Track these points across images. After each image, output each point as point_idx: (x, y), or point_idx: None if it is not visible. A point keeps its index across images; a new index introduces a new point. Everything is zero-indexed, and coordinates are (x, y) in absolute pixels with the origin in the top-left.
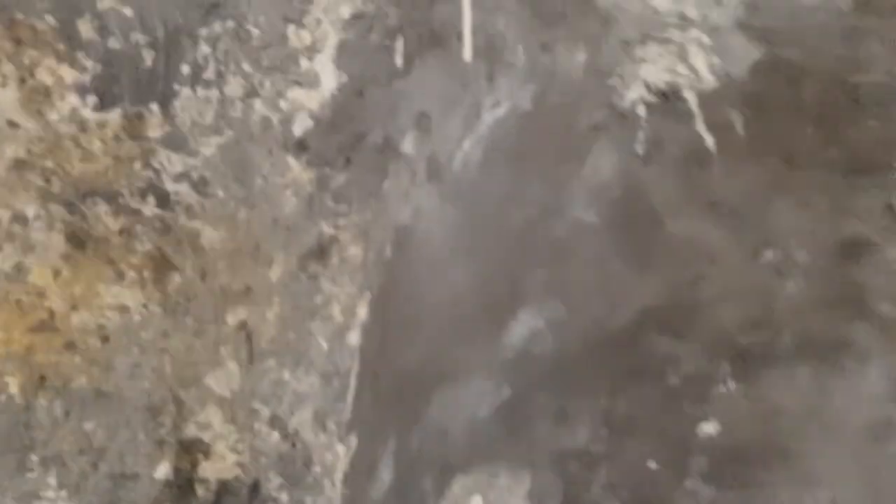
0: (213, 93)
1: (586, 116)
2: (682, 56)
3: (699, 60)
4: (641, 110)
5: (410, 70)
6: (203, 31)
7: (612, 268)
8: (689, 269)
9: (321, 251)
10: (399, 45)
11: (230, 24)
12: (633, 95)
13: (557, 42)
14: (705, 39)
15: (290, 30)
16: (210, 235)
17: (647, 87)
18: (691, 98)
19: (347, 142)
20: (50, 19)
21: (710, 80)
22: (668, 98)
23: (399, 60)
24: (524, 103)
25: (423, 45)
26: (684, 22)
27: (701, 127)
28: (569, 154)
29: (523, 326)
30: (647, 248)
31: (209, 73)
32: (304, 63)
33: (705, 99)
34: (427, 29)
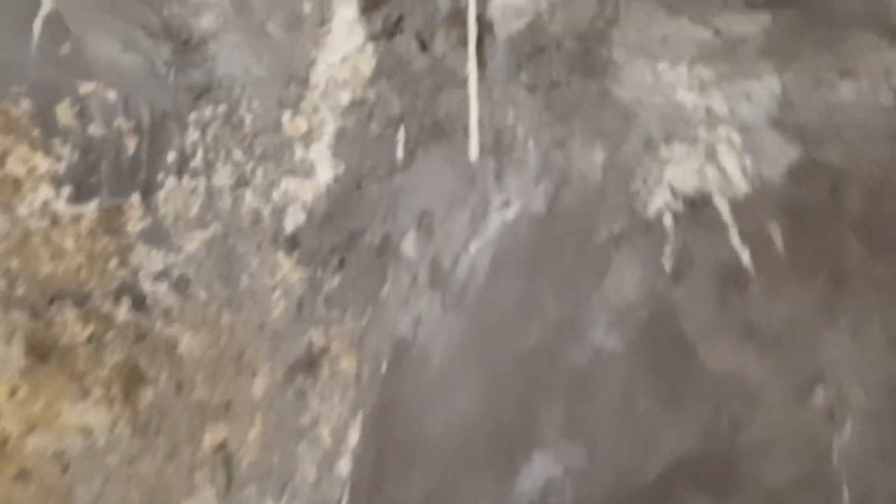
0: (201, 182)
1: (606, 224)
2: (711, 157)
3: (730, 162)
4: (668, 219)
5: (412, 163)
6: (193, 116)
7: (639, 406)
8: (727, 410)
9: (310, 362)
10: (400, 135)
11: (222, 108)
12: (658, 202)
13: (572, 138)
14: (736, 138)
15: (286, 116)
16: (189, 342)
17: (674, 192)
18: (723, 206)
19: (342, 240)
20: (26, 104)
21: (742, 185)
22: (696, 205)
23: (400, 152)
24: (536, 205)
25: (426, 136)
26: (712, 118)
27: (735, 240)
28: (587, 266)
29: (538, 473)
30: (678, 384)
31: (197, 161)
32: (298, 151)
33: (738, 207)
34: (430, 119)
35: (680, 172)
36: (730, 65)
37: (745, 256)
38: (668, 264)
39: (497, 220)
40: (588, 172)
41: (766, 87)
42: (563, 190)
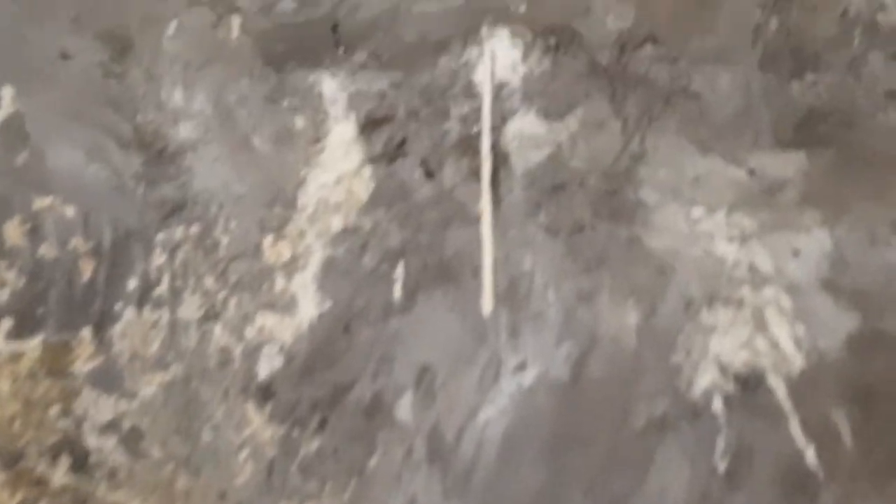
0: (164, 314)
1: (646, 404)
2: (760, 324)
3: (781, 331)
4: (718, 403)
5: (412, 307)
6: (161, 237)
7: None
8: None
9: None
10: (399, 272)
11: (195, 228)
12: (706, 380)
13: (600, 292)
14: (785, 301)
15: (267, 240)
16: None
17: (722, 368)
18: (778, 386)
19: (325, 395)
20: None
21: (797, 360)
22: (749, 385)
23: (398, 292)
24: (558, 371)
25: (430, 276)
26: (757, 277)
27: (797, 431)
28: (624, 457)
29: None
30: None
31: (162, 290)
32: (279, 282)
33: (796, 388)
34: (435, 258)
35: (728, 343)
36: (771, 213)
37: (811, 454)
38: (721, 463)
39: (511, 386)
40: (620, 336)
41: (815, 243)
42: (591, 355)
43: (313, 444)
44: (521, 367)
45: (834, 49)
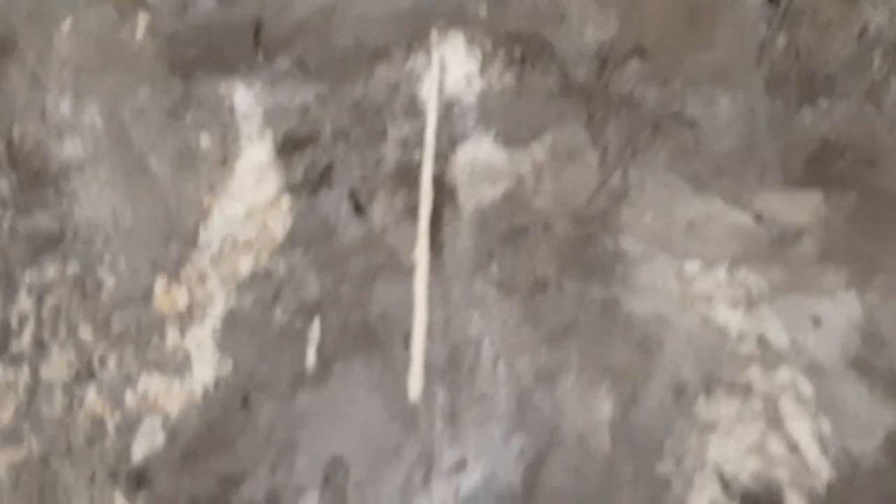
0: (23, 373)
1: None
2: (774, 419)
3: (801, 427)
4: None
5: (326, 379)
6: (29, 277)
7: None
8: None
9: None
10: (314, 333)
11: (73, 267)
12: (702, 500)
13: (565, 372)
14: (805, 387)
15: (160, 285)
16: None
17: (724, 482)
18: None
19: (210, 489)
20: None
21: (822, 469)
22: None
23: (311, 358)
24: (507, 474)
25: (351, 340)
26: (769, 354)
27: None
28: None
29: None
30: None
31: (23, 342)
32: (171, 337)
33: None
34: (359, 318)
35: (732, 447)
36: (785, 271)
37: None
38: None
39: (445, 492)
40: (589, 434)
41: (840, 310)
42: (550, 457)
43: None
44: (460, 466)
45: (850, 72)
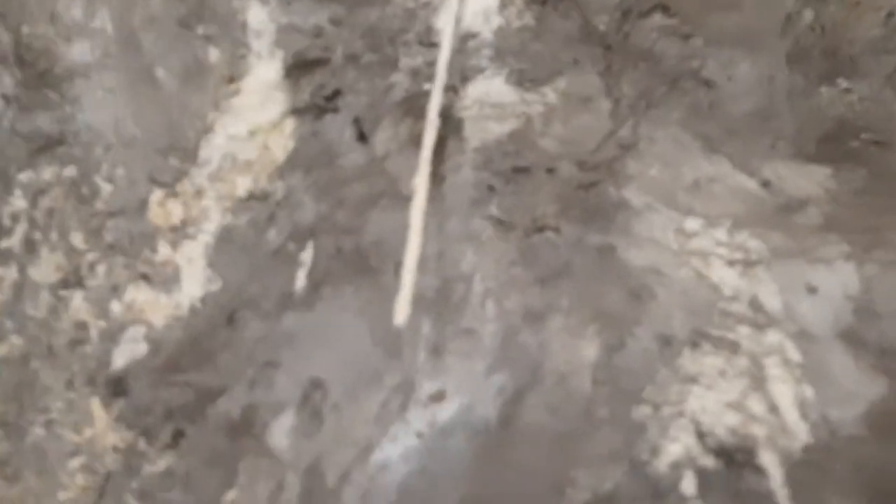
0: (10, 271)
1: (592, 473)
2: (758, 379)
3: (784, 390)
4: (689, 484)
5: (314, 302)
6: (24, 176)
7: None
8: None
9: None
10: (306, 256)
11: (70, 171)
12: (676, 449)
13: (553, 314)
14: (793, 353)
15: (156, 196)
16: None
17: (700, 434)
18: (774, 468)
19: (187, 401)
20: None
21: (801, 432)
22: (734, 463)
23: (301, 281)
24: (485, 409)
25: (343, 266)
26: (760, 316)
27: None
28: None
29: None
30: None
31: (13, 241)
32: (163, 250)
33: (796, 472)
34: (354, 243)
35: (712, 400)
36: (786, 237)
37: None
38: None
39: (421, 421)
40: (570, 374)
41: (837, 280)
42: (529, 394)
43: (160, 464)
44: (439, 396)
45: (874, 55)
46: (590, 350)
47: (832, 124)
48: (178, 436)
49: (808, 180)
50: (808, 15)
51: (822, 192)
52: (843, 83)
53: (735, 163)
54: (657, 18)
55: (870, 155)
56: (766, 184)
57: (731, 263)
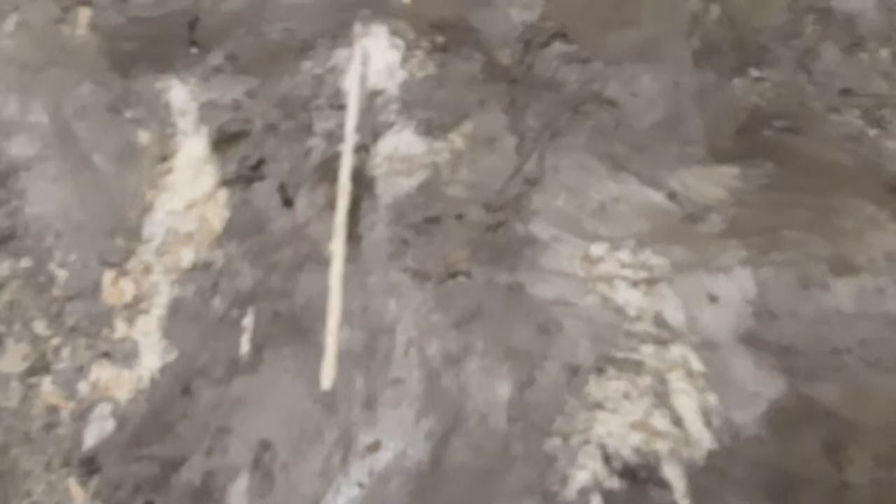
0: None
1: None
2: (661, 395)
3: (687, 402)
4: None
5: (258, 365)
6: None
7: None
8: None
9: None
10: (248, 322)
11: (26, 262)
12: (584, 476)
13: (470, 356)
14: (695, 363)
15: (107, 277)
16: None
17: (607, 457)
18: (676, 479)
19: (152, 473)
20: None
21: (703, 440)
22: (639, 480)
23: (245, 346)
24: (416, 452)
25: (279, 329)
26: (664, 331)
27: None
28: None
29: None
30: None
31: None
32: (120, 326)
33: (699, 479)
34: (287, 307)
35: (616, 423)
36: (689, 249)
37: None
38: None
39: (361, 471)
40: (489, 413)
41: (735, 286)
42: (454, 435)
43: None
44: (375, 447)
45: (783, 40)
46: (504, 388)
47: (745, 115)
48: None
49: (714, 184)
50: (715, 10)
51: (728, 194)
52: (754, 72)
53: (643, 178)
54: (557, 46)
55: (781, 142)
56: (672, 195)
57: (635, 284)
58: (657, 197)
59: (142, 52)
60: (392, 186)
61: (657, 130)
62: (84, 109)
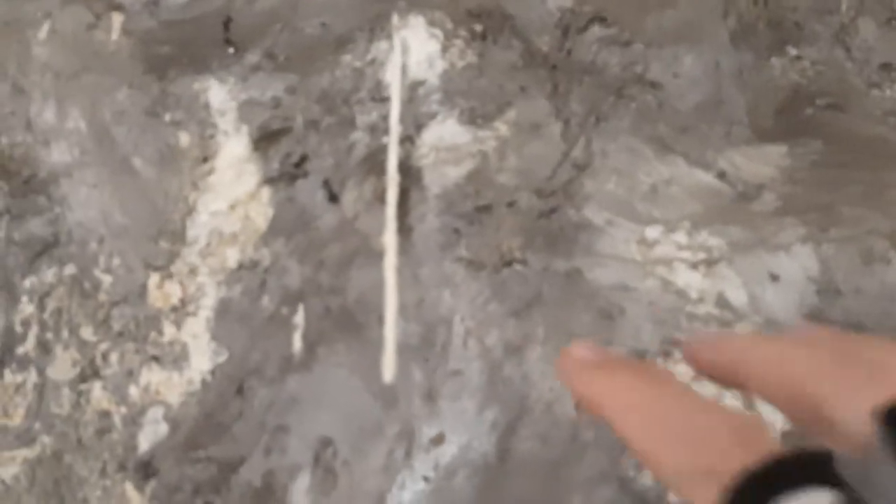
0: (31, 376)
1: (584, 494)
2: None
3: None
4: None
5: (312, 363)
6: (28, 283)
7: None
8: None
9: None
10: (299, 319)
11: (70, 269)
12: None
13: (531, 344)
14: None
15: (153, 280)
16: None
17: None
18: None
19: (211, 475)
20: None
21: (776, 421)
22: None
23: (297, 344)
24: (482, 445)
25: (331, 326)
26: (727, 312)
27: None
28: None
29: None
30: None
31: (28, 346)
32: (168, 331)
33: None
34: (338, 303)
35: None
36: (745, 228)
37: None
38: None
39: (426, 465)
40: (554, 401)
41: (797, 264)
42: (520, 425)
43: None
44: (439, 440)
45: (818, 16)
46: None
47: (786, 95)
48: None
49: (763, 163)
50: None
51: (778, 173)
52: (792, 51)
53: (690, 159)
54: (596, 30)
55: (825, 121)
56: (722, 175)
57: (694, 266)
58: (707, 178)
59: (177, 54)
60: (440, 176)
61: (701, 111)
62: (122, 114)
